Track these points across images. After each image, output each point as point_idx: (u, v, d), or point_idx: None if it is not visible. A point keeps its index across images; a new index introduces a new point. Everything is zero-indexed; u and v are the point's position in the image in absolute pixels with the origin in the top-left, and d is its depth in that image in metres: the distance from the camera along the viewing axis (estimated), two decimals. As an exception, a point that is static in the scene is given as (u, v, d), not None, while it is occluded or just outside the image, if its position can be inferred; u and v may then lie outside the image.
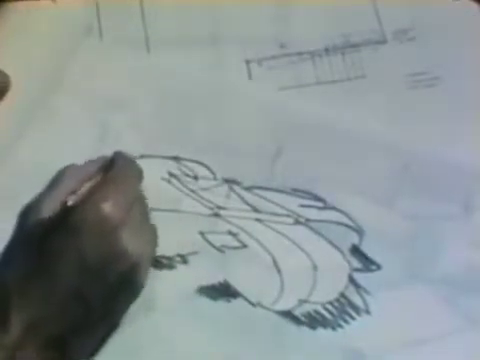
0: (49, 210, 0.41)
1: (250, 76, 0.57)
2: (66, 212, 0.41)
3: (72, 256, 0.40)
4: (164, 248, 0.48)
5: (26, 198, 0.52)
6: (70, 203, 0.41)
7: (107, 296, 0.42)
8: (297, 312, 0.49)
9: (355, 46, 0.58)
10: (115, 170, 0.44)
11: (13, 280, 0.41)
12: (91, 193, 0.42)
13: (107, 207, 0.41)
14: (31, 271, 0.41)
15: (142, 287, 0.44)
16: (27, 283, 0.40)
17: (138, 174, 0.46)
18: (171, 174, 0.53)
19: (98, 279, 0.41)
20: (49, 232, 0.41)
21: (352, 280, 0.50)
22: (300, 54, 0.58)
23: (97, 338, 0.43)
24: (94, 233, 0.40)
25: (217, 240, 0.51)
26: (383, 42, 0.58)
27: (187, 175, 0.53)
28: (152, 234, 0.46)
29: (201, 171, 0.53)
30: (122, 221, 0.41)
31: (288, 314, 0.49)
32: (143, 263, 0.43)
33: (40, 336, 0.40)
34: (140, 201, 0.45)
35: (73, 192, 0.42)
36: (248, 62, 0.58)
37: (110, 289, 0.41)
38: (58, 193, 0.42)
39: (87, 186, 0.42)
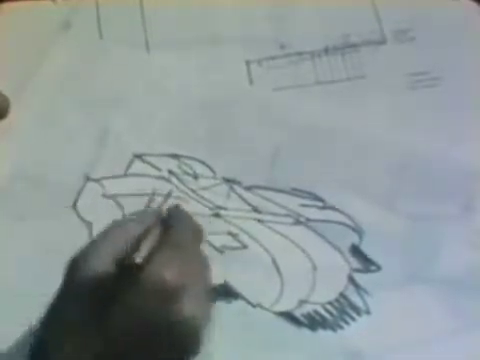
0: (101, 265, 0.40)
1: (250, 76, 0.57)
2: (126, 270, 0.40)
3: (130, 319, 0.39)
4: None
5: (25, 198, 0.52)
6: (138, 261, 0.39)
7: (169, 354, 0.41)
8: (297, 313, 0.49)
9: (355, 46, 0.58)
10: (176, 229, 0.43)
11: (67, 333, 0.39)
12: (152, 253, 0.40)
13: (168, 274, 0.39)
14: (91, 332, 0.39)
15: (202, 348, 0.42)
16: (87, 345, 0.39)
17: (198, 233, 0.45)
18: (171, 172, 0.53)
19: (159, 345, 0.40)
20: (107, 289, 0.39)
21: (352, 280, 0.50)
22: (300, 54, 0.58)
23: None
24: (155, 300, 0.39)
25: (217, 240, 0.51)
26: (383, 42, 0.58)
27: (187, 173, 0.53)
28: (209, 293, 0.44)
29: (201, 169, 0.53)
30: (183, 288, 0.40)
31: (288, 315, 0.49)
32: (203, 325, 0.41)
33: None
34: (198, 261, 0.43)
35: (135, 248, 0.40)
36: (248, 62, 0.58)
37: (171, 354, 0.40)
38: (111, 248, 0.41)
39: (149, 243, 0.41)
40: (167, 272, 0.39)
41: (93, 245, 0.42)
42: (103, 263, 0.40)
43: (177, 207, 0.47)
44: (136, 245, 0.40)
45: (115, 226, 0.43)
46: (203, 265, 0.44)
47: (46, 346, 0.40)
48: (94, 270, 0.40)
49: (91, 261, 0.40)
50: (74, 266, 0.41)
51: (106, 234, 0.42)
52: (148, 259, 0.40)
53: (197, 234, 0.45)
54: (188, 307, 0.40)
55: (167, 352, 0.40)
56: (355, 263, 0.51)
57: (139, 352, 0.39)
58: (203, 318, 0.41)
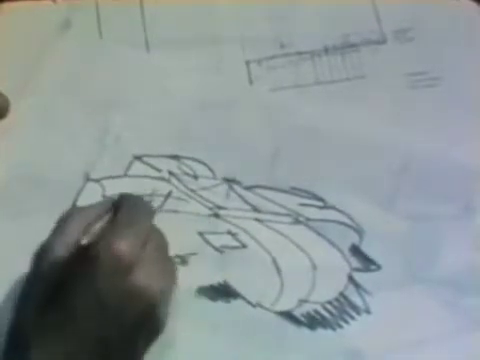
0: (61, 251, 0.41)
1: (250, 76, 0.57)
2: (80, 252, 0.41)
3: (88, 296, 0.40)
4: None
5: (25, 198, 0.52)
6: (84, 242, 0.41)
7: (125, 335, 0.41)
8: (297, 312, 0.49)
9: (355, 46, 0.58)
10: (125, 209, 0.44)
11: (31, 320, 0.41)
12: (103, 233, 0.42)
13: (120, 246, 0.40)
14: (48, 311, 0.40)
15: (163, 324, 0.44)
16: (44, 323, 0.40)
17: (149, 211, 0.46)
18: (171, 173, 0.53)
19: (116, 318, 0.41)
20: (64, 273, 0.41)
21: (352, 280, 0.50)
22: (300, 54, 0.58)
23: None
24: (108, 273, 0.40)
25: (216, 240, 0.51)
26: (383, 42, 0.58)
27: (187, 174, 0.53)
28: (169, 269, 0.45)
29: (201, 170, 0.53)
30: (136, 259, 0.41)
31: (288, 314, 0.49)
32: (162, 300, 0.42)
33: None
34: (155, 237, 0.44)
35: (85, 232, 0.42)
36: (248, 62, 0.58)
37: (129, 328, 0.41)
38: (68, 234, 0.42)
39: (99, 225, 0.42)
40: (118, 245, 0.40)
41: (51, 235, 0.43)
42: (59, 250, 0.41)
43: (126, 193, 0.47)
44: (87, 228, 0.42)
45: (70, 214, 0.44)
46: (158, 239, 0.45)
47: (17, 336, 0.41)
48: (52, 257, 0.41)
49: (49, 249, 0.42)
50: (35, 257, 0.43)
51: (62, 224, 0.43)
52: (100, 238, 0.41)
53: (148, 210, 0.46)
54: (142, 278, 0.41)
55: (123, 327, 0.41)
56: (355, 263, 0.51)
57: (97, 328, 0.40)
58: (159, 290, 0.42)
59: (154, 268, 0.42)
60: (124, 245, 0.41)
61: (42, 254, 0.42)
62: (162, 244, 0.45)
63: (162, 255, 0.44)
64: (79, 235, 0.41)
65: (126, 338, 0.41)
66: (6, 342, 0.42)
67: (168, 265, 0.45)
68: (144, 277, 0.41)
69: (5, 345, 0.41)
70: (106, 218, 0.43)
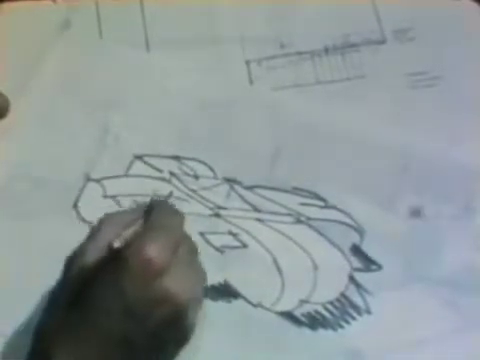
0: (93, 257, 0.41)
1: (250, 76, 0.57)
2: (110, 257, 0.41)
3: (115, 300, 0.40)
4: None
5: (25, 198, 0.52)
6: (116, 245, 0.40)
7: (152, 340, 0.41)
8: (297, 312, 0.49)
9: (355, 46, 0.58)
10: (156, 214, 0.44)
11: (56, 324, 0.41)
12: (135, 238, 0.41)
13: (150, 251, 0.40)
14: (74, 315, 0.40)
15: (191, 330, 0.43)
16: (69, 327, 0.40)
17: (180, 217, 0.45)
18: (172, 173, 0.53)
19: (142, 323, 0.40)
20: (93, 277, 0.41)
21: (353, 280, 0.50)
22: (300, 54, 0.58)
23: None
24: (137, 277, 0.40)
25: (217, 240, 0.51)
26: (383, 42, 0.58)
27: (187, 174, 0.53)
28: (200, 275, 0.45)
29: (201, 170, 0.53)
30: (166, 265, 0.41)
31: (289, 315, 0.49)
32: (190, 306, 0.42)
33: None
34: (185, 243, 0.44)
35: (117, 236, 0.41)
36: (248, 62, 0.58)
37: (155, 333, 0.41)
38: (100, 240, 0.42)
39: (131, 230, 0.42)
40: (148, 249, 0.40)
41: (84, 241, 0.43)
42: (90, 255, 0.41)
43: (158, 198, 0.47)
44: (120, 233, 0.42)
45: (103, 220, 0.44)
46: (189, 244, 0.45)
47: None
48: (82, 262, 0.41)
49: (80, 255, 0.42)
50: (66, 262, 0.43)
51: (95, 230, 0.43)
52: (130, 242, 0.41)
53: (179, 215, 0.46)
54: (171, 283, 0.40)
55: (149, 331, 0.41)
56: (356, 262, 0.51)
57: (122, 331, 0.40)
58: (188, 296, 0.42)
59: (184, 273, 0.42)
60: (154, 249, 0.40)
61: (73, 259, 0.42)
62: (193, 249, 0.45)
63: (193, 261, 0.44)
64: (111, 240, 0.41)
65: (152, 343, 0.41)
66: (32, 343, 0.41)
67: (198, 271, 0.45)
68: (173, 282, 0.41)
69: (31, 346, 0.41)
70: (139, 223, 0.43)
